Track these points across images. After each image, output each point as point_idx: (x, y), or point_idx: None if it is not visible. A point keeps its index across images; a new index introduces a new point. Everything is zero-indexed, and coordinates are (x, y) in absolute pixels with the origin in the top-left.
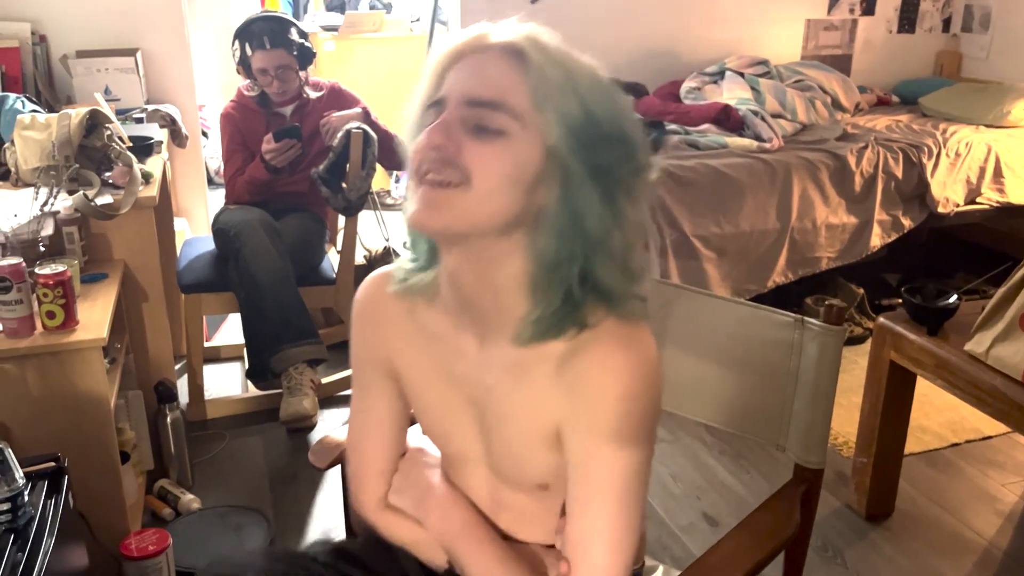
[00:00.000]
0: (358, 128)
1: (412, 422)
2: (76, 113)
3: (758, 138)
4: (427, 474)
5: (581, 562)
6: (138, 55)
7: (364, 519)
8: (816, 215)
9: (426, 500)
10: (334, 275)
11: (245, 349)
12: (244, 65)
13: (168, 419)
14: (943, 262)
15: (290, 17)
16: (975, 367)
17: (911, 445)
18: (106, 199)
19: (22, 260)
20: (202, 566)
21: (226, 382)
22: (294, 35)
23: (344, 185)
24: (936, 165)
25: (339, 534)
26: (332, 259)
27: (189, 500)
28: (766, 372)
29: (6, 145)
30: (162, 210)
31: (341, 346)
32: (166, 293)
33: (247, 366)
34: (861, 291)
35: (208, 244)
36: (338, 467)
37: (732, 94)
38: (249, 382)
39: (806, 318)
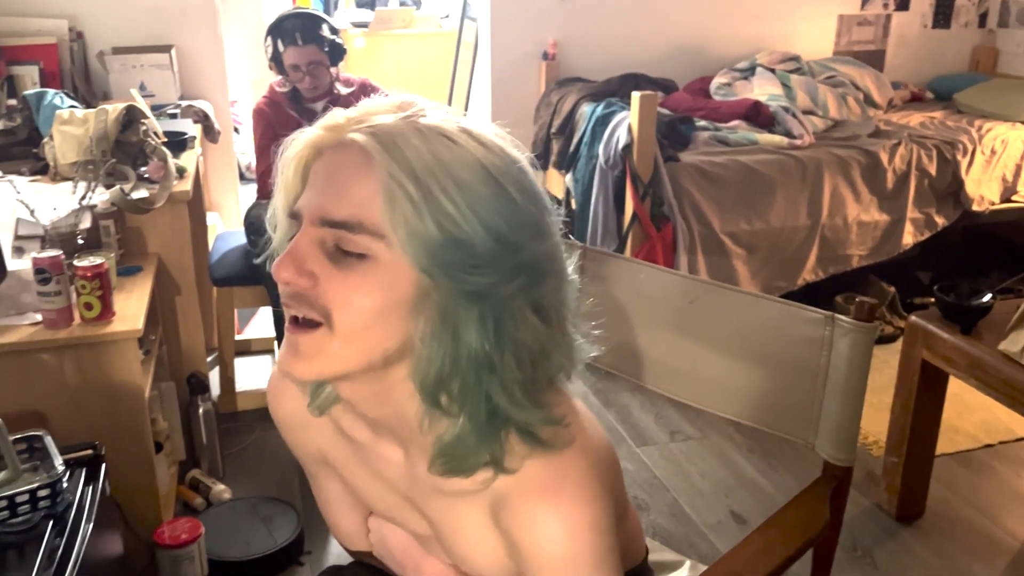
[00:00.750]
0: None
1: None
2: (113, 109)
3: (788, 134)
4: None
5: None
6: (172, 52)
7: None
8: (847, 212)
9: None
10: None
11: (276, 342)
12: (276, 61)
13: (200, 410)
14: (977, 260)
15: (322, 14)
16: (1010, 367)
17: (943, 446)
18: (141, 193)
19: (61, 252)
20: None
21: (257, 375)
22: (325, 31)
23: None
24: (971, 162)
25: None
26: None
27: (220, 490)
28: (796, 369)
29: (45, 140)
30: (195, 204)
31: None
32: (198, 286)
33: (277, 359)
34: (893, 289)
35: (240, 238)
36: None
37: (763, 90)
38: None
39: (836, 315)
